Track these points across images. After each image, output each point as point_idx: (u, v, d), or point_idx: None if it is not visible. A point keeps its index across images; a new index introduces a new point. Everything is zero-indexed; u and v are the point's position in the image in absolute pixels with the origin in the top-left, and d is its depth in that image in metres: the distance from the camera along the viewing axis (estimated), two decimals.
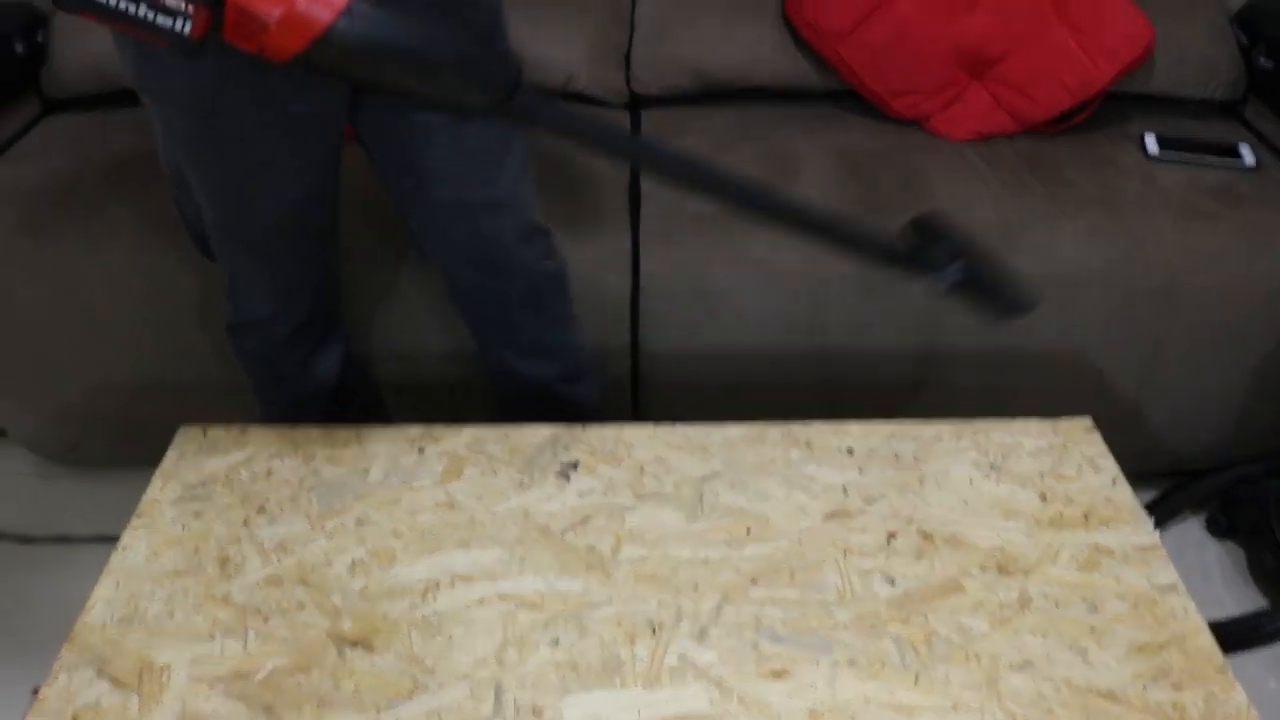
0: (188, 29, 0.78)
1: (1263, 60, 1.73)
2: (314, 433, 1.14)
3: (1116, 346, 1.56)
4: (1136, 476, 1.21)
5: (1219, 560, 1.64)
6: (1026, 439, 1.15)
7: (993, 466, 1.12)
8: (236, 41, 0.79)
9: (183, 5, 0.78)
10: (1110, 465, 1.12)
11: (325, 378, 1.36)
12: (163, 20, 0.78)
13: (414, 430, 1.14)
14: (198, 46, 0.79)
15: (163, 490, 1.07)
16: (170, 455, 1.12)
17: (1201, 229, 1.52)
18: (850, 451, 1.12)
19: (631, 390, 1.61)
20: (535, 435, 1.14)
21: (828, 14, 1.66)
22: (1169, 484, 1.69)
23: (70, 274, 1.50)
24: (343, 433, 1.14)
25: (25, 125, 1.77)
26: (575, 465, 1.09)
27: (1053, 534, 1.03)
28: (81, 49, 1.78)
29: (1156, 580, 0.98)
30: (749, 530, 1.02)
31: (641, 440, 1.13)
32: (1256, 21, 1.75)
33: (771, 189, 0.97)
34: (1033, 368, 1.57)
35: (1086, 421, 1.18)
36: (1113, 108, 1.74)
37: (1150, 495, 1.69)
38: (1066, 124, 1.70)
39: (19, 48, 1.77)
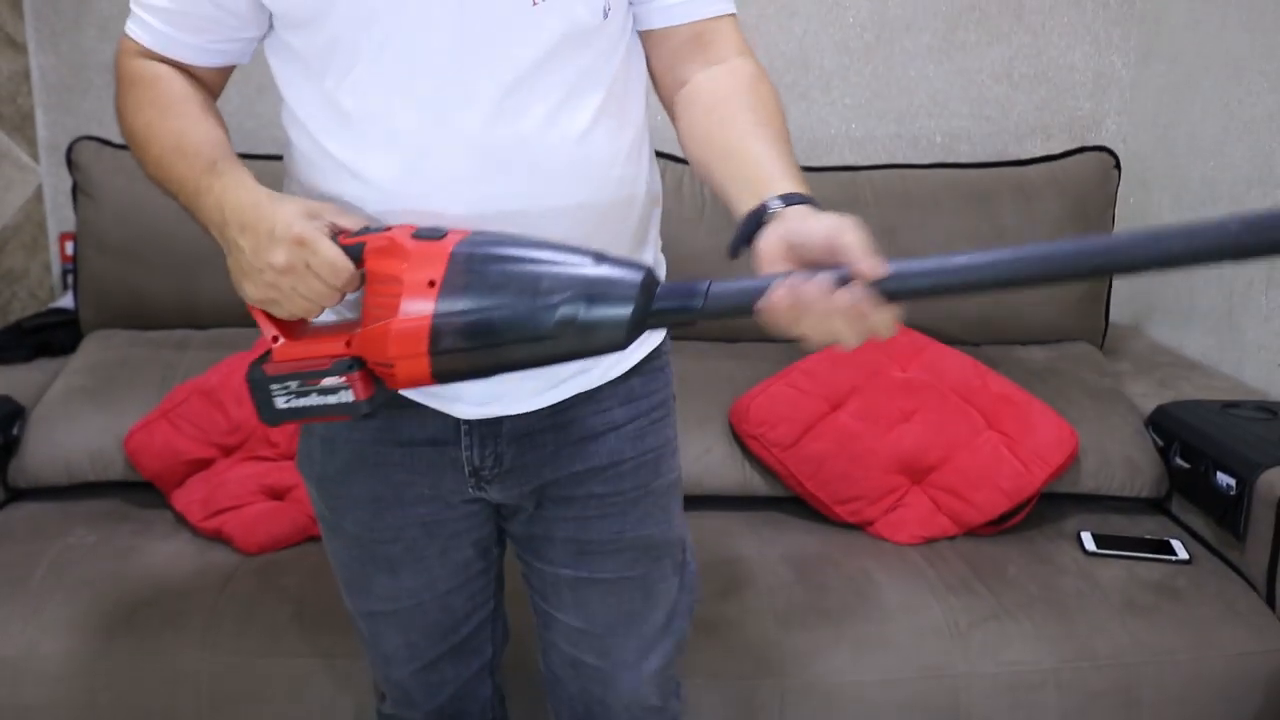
0: (355, 396, 0.91)
1: (1178, 460, 1.84)
2: None
3: None
4: None
5: None
6: None
7: None
8: (394, 385, 0.90)
9: (342, 380, 0.90)
10: None
11: None
12: (337, 399, 0.91)
13: None
14: (369, 407, 0.92)
15: None
16: None
17: (1146, 624, 1.56)
18: None
19: None
20: None
21: (772, 427, 1.78)
22: None
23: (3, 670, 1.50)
24: None
25: None
26: None
27: None
28: (52, 442, 1.85)
29: None
30: None
31: None
32: (1166, 425, 1.89)
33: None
34: None
35: None
36: (1049, 507, 1.83)
37: None
38: (1005, 525, 1.78)
39: None
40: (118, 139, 2.21)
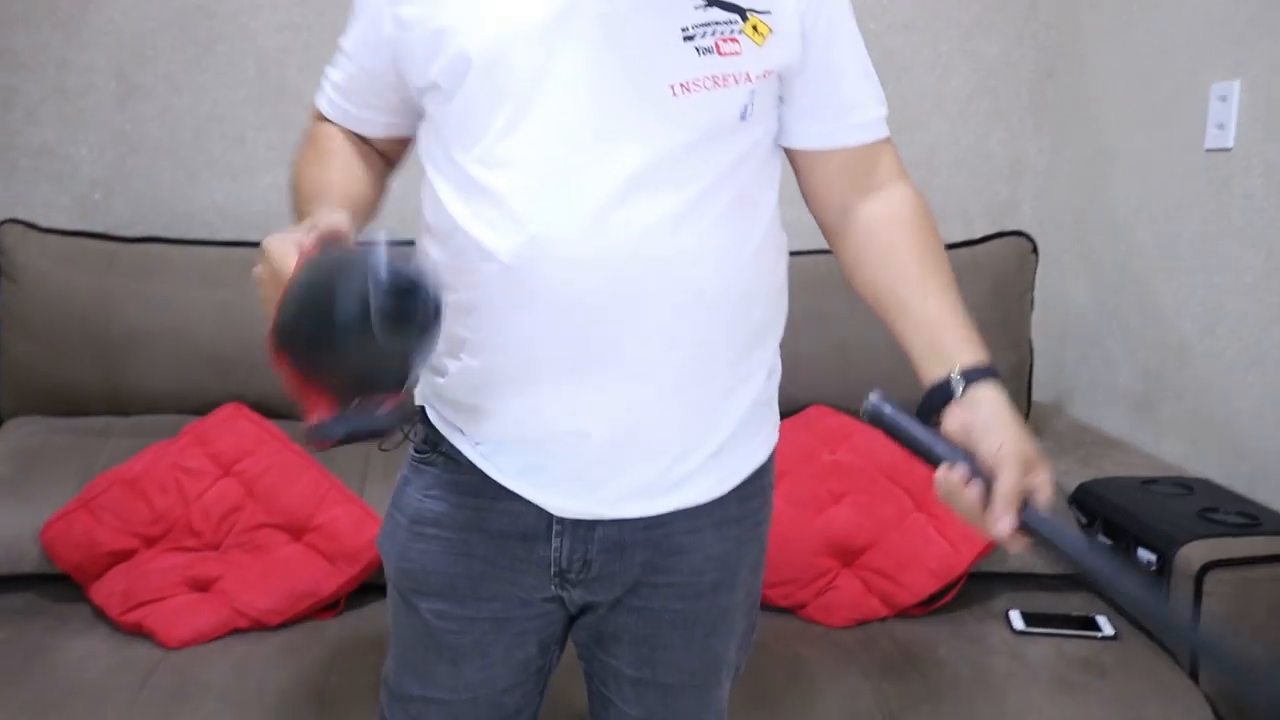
0: (389, 405, 0.84)
1: (1101, 537, 1.88)
2: None
3: None
4: None
5: None
6: None
7: None
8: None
9: (383, 401, 0.84)
10: None
11: None
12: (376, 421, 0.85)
13: None
14: (410, 411, 0.91)
15: None
16: None
17: (1075, 702, 1.58)
18: None
19: None
20: None
21: None
22: None
23: None
24: None
25: None
26: None
27: None
28: None
29: None
30: None
31: None
32: (1088, 502, 1.93)
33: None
34: None
35: None
36: (977, 586, 1.85)
37: None
38: (935, 605, 1.80)
39: None
40: (44, 222, 2.21)
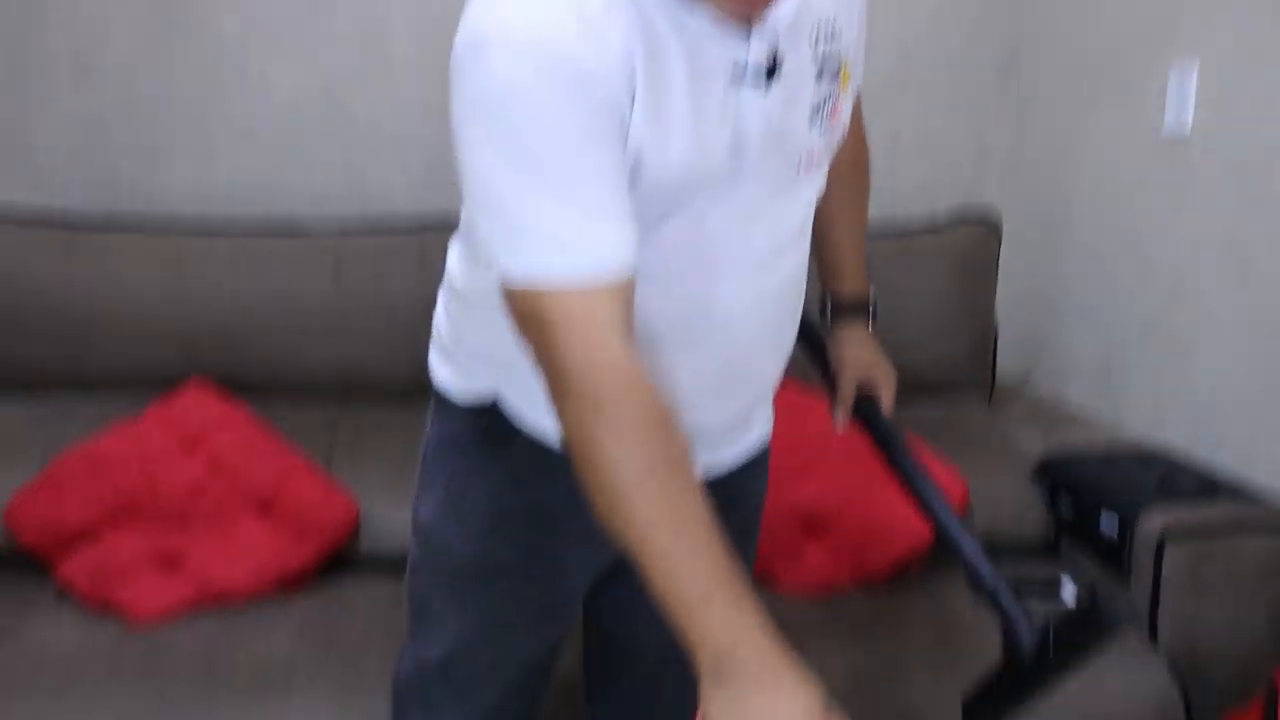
0: None
1: (1065, 507, 1.91)
2: None
3: None
4: None
5: None
6: None
7: None
8: None
9: None
10: None
11: None
12: None
13: None
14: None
15: None
16: None
17: None
18: None
19: None
20: None
21: None
22: None
23: None
24: None
25: None
26: None
27: None
28: None
29: None
30: None
31: None
32: (1053, 472, 1.96)
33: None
34: None
35: None
36: (944, 555, 1.87)
37: None
38: (903, 574, 1.82)
39: None
40: (3, 201, 2.18)
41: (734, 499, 1.16)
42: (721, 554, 0.82)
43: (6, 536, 1.79)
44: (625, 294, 0.84)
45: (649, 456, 0.82)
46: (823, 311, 1.27)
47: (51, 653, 1.60)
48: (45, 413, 2.00)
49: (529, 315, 0.84)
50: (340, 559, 1.83)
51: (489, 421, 1.08)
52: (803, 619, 1.70)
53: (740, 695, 0.80)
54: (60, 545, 1.76)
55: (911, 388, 2.19)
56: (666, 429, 0.84)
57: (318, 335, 2.07)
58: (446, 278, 1.12)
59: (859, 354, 1.25)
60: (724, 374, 1.04)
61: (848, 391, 1.23)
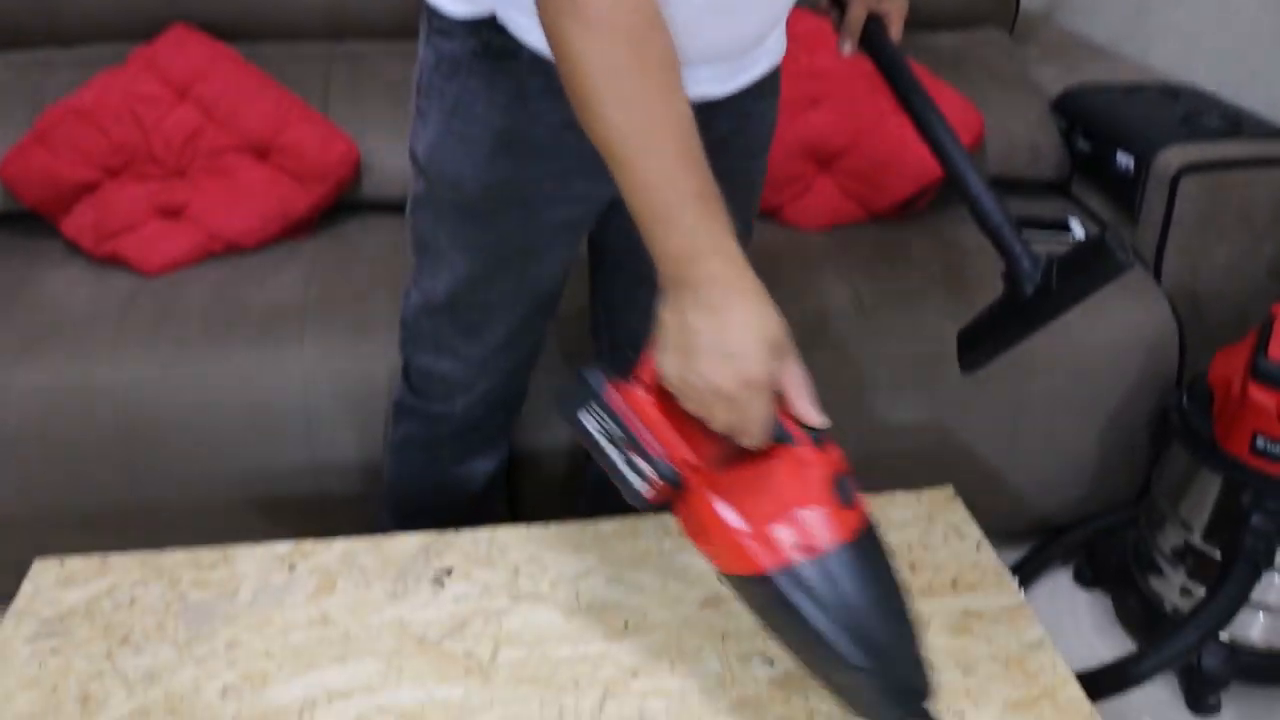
0: (646, 492, 0.82)
1: (1081, 142, 1.86)
2: (179, 556, 1.11)
3: (976, 416, 1.63)
4: (1004, 537, 1.25)
5: (1089, 609, 1.71)
6: (893, 511, 1.18)
7: None
8: (675, 512, 0.86)
9: (654, 476, 0.81)
10: (974, 531, 1.16)
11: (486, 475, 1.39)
12: (631, 476, 0.82)
13: (283, 547, 1.12)
14: (643, 506, 0.84)
15: (16, 629, 1.02)
16: (24, 590, 1.07)
17: None
18: None
19: (508, 493, 1.60)
20: (407, 544, 1.12)
21: None
22: (1035, 541, 1.76)
23: None
24: (209, 554, 1.11)
25: None
26: (449, 571, 1.08)
27: (925, 602, 1.06)
28: None
29: (1025, 638, 1.02)
30: (627, 624, 1.02)
31: (515, 542, 1.12)
32: (1072, 107, 1.89)
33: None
34: (895, 440, 1.62)
35: (948, 490, 1.22)
36: (953, 191, 1.84)
37: (1018, 554, 1.74)
38: (911, 209, 1.80)
39: None
40: None
41: (743, 119, 1.14)
42: (697, 167, 0.79)
43: (7, 196, 1.77)
44: None
45: (623, 56, 0.79)
46: None
47: (65, 305, 1.62)
48: (24, 67, 1.91)
49: None
50: (343, 203, 1.82)
51: (489, 35, 1.01)
52: (809, 249, 1.71)
53: (694, 308, 0.78)
54: (60, 201, 1.74)
55: (931, 15, 2.10)
56: (646, 30, 0.79)
57: None
58: None
59: None
60: None
61: (857, 13, 1.15)
